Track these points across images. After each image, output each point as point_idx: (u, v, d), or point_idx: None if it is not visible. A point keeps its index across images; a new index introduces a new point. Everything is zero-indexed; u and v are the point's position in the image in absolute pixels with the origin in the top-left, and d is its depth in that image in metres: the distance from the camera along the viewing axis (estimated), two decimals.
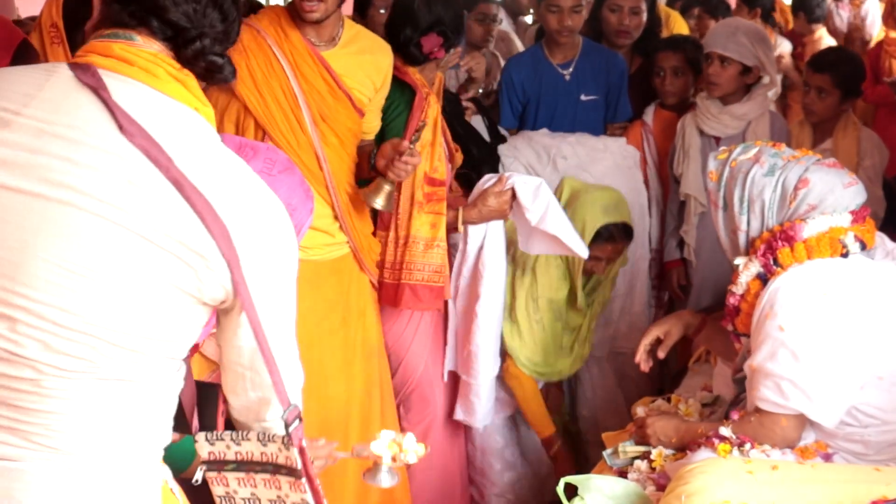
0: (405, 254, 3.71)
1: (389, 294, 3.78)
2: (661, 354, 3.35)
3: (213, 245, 1.69)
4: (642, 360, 3.37)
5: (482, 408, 4.08)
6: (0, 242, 1.64)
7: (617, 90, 5.00)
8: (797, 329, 2.73)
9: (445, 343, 4.15)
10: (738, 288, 2.95)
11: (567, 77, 4.95)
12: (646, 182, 4.91)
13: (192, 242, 1.68)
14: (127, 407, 1.74)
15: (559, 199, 4.08)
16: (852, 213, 2.89)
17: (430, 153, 3.74)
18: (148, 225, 1.65)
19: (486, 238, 3.89)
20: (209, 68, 1.87)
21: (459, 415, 4.11)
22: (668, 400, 3.50)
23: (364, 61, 3.51)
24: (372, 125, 3.69)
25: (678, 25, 6.85)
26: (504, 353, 4.19)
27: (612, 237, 4.12)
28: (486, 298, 3.92)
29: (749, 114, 4.57)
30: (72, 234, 1.63)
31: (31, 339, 1.65)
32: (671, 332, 3.37)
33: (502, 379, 4.23)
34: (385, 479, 2.31)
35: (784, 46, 7.31)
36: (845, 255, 2.84)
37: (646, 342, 3.38)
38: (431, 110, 3.74)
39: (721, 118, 4.58)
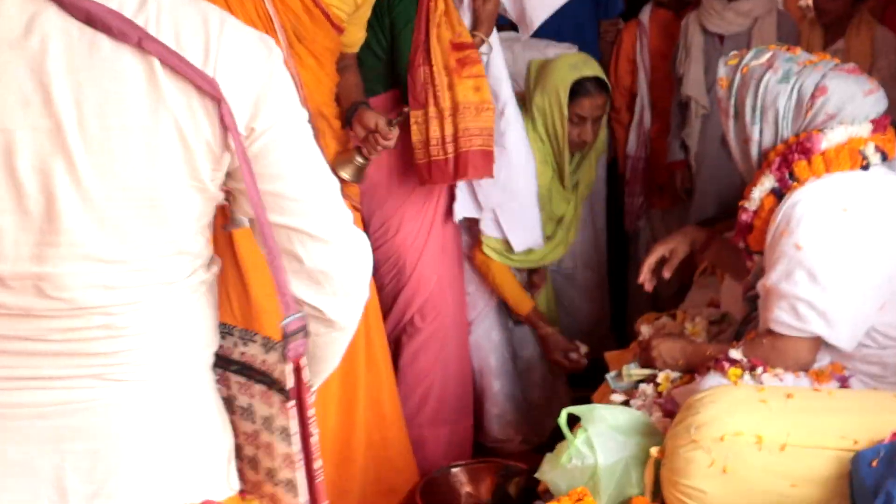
0: (458, 123, 3.57)
1: (442, 170, 3.64)
2: (667, 274, 3.19)
3: (212, 108, 1.53)
4: (646, 279, 3.21)
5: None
6: (23, 198, 1.48)
7: None
8: (815, 247, 2.57)
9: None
10: (751, 203, 2.77)
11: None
12: (635, 84, 4.78)
13: (193, 112, 1.52)
14: (188, 313, 1.66)
15: (530, 82, 4.06)
16: (873, 122, 2.70)
17: (447, 21, 3.60)
18: (148, 115, 1.50)
19: None
20: None
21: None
22: (674, 317, 3.36)
23: None
24: (354, 38, 3.48)
25: None
26: (476, 238, 4.11)
27: (589, 92, 3.99)
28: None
29: (755, 10, 4.37)
30: (91, 160, 1.48)
31: (91, 287, 1.54)
32: (676, 250, 3.20)
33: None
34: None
35: None
36: (866, 168, 2.66)
37: (650, 261, 3.21)
38: None
39: (725, 15, 4.39)
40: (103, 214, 1.51)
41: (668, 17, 4.74)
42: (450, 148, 3.58)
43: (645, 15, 4.79)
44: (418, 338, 3.97)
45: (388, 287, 3.90)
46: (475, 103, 3.55)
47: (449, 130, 3.56)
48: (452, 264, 4.07)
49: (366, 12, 3.43)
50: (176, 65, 1.49)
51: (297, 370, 1.69)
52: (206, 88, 1.51)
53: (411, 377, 3.94)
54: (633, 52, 4.78)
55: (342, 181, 3.31)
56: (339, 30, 3.30)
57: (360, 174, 3.38)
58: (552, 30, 4.58)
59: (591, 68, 4.02)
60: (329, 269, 1.68)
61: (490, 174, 3.69)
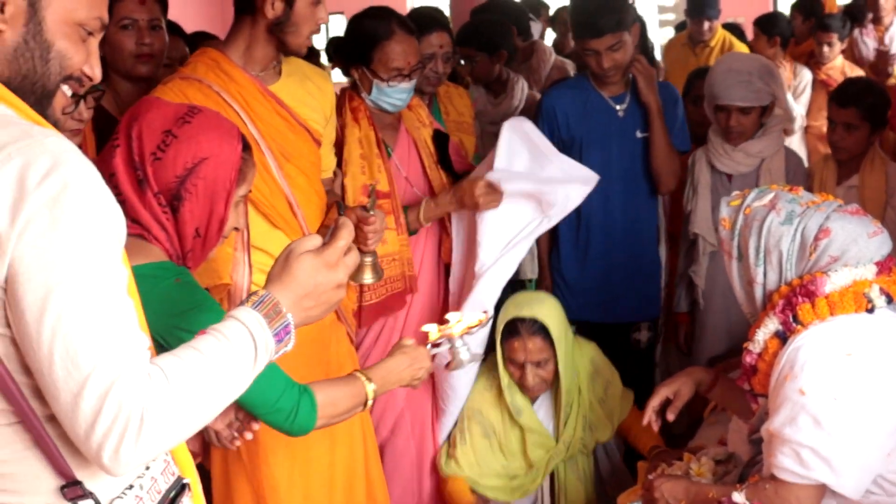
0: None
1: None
2: (671, 417, 3.14)
3: None
4: (651, 421, 3.15)
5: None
6: None
7: (672, 122, 4.40)
8: (819, 393, 2.52)
9: None
10: (755, 346, 2.73)
11: (621, 113, 4.36)
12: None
13: None
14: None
15: None
16: (878, 263, 2.68)
17: (365, 166, 3.61)
18: None
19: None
20: None
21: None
22: (681, 458, 3.30)
23: (310, 89, 3.32)
24: (327, 162, 3.48)
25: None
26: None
27: (518, 333, 3.81)
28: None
29: (763, 151, 4.36)
30: None
31: None
32: (681, 392, 3.15)
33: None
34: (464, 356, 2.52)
35: (805, 76, 7.08)
36: (871, 311, 2.62)
37: (654, 403, 3.15)
38: (361, 124, 3.66)
39: (734, 156, 4.37)
40: None
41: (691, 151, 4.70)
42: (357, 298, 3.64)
43: None
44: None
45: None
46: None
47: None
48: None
49: (331, 132, 3.45)
50: None
51: None
52: None
53: None
54: None
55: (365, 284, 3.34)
56: (318, 143, 3.33)
57: (374, 271, 3.19)
58: (623, 173, 4.37)
59: (532, 309, 3.83)
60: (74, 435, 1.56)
61: (401, 307, 3.79)
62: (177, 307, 2.22)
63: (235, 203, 2.26)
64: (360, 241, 3.21)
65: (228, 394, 1.68)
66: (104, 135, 2.94)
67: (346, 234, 1.85)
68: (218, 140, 2.20)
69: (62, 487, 1.63)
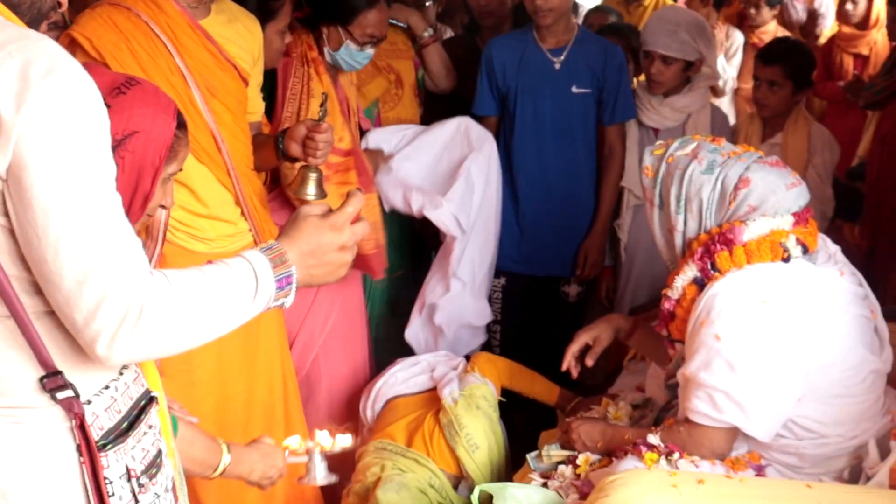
0: None
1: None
2: (590, 362, 3.20)
3: None
4: (571, 366, 3.21)
5: None
6: None
7: (615, 85, 4.42)
8: (734, 338, 2.60)
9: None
10: (674, 292, 2.80)
11: (557, 65, 4.38)
12: None
13: None
14: None
15: None
16: (795, 214, 2.75)
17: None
18: None
19: None
20: None
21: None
22: (600, 402, 3.37)
23: (238, 28, 3.31)
24: (255, 104, 3.47)
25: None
26: None
27: None
28: None
29: (689, 106, 4.44)
30: None
31: None
32: (600, 338, 3.21)
33: None
34: (320, 473, 2.38)
35: (737, 38, 7.16)
36: (786, 260, 2.69)
37: (573, 348, 3.21)
38: (323, 79, 3.76)
39: (661, 110, 4.44)
40: None
41: None
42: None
43: None
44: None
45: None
46: None
47: None
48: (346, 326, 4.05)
49: (259, 73, 3.45)
50: None
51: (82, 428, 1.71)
52: None
53: None
54: None
55: (307, 201, 3.19)
56: (246, 82, 3.32)
57: (319, 188, 3.24)
58: (554, 127, 4.41)
59: None
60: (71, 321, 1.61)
61: (375, 273, 3.98)
62: None
63: (163, 180, 2.23)
64: (308, 152, 3.24)
65: (225, 319, 1.74)
66: None
67: (356, 202, 1.93)
68: (151, 115, 2.15)
69: (42, 378, 1.67)
